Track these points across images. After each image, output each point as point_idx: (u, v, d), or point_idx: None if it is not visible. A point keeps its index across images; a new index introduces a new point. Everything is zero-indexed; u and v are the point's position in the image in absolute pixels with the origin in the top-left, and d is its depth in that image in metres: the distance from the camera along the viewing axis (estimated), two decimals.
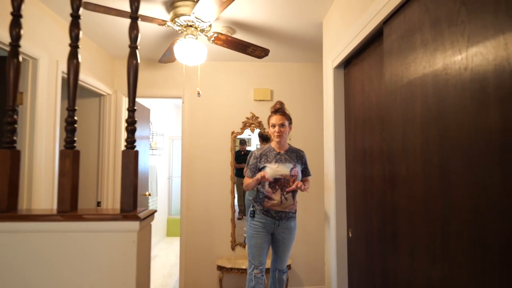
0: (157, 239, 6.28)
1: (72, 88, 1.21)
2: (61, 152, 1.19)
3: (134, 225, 1.12)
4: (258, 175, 2.62)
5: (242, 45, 2.96)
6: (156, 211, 1.34)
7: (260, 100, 4.26)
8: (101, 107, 3.90)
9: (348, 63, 2.48)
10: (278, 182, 2.73)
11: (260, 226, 2.79)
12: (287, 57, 4.11)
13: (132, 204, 1.19)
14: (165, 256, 5.67)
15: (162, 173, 6.62)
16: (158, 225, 6.34)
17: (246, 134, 4.34)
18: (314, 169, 4.13)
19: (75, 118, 1.24)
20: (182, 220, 4.16)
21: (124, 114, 4.11)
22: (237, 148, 4.65)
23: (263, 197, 2.78)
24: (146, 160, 4.88)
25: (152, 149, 5.84)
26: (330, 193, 2.63)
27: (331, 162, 2.61)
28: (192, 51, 2.58)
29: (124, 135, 4.09)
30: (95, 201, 3.86)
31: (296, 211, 2.89)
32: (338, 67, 2.58)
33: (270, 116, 2.85)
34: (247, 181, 2.80)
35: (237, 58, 4.12)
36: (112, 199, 3.94)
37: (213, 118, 4.23)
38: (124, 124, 4.08)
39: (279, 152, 2.83)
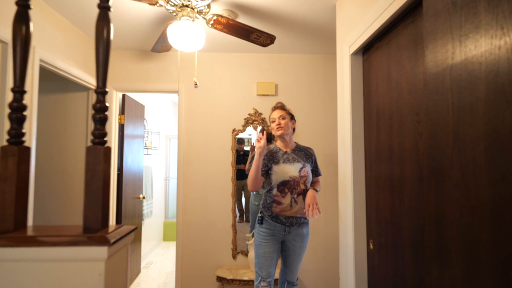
0: (153, 244, 5.95)
1: (20, 60, 0.89)
2: (1, 149, 0.87)
3: (101, 251, 0.80)
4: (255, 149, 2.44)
5: (245, 30, 2.64)
6: (136, 228, 1.01)
7: (264, 95, 3.95)
8: (89, 102, 3.58)
9: (368, 49, 2.17)
10: (287, 185, 2.51)
11: (269, 234, 2.56)
12: (293, 47, 3.80)
13: (100, 220, 0.88)
14: (161, 263, 5.35)
15: (158, 174, 6.29)
16: (154, 229, 6.02)
17: (249, 132, 4.03)
18: (323, 170, 3.84)
19: (24, 102, 0.91)
20: (178, 225, 3.85)
21: (115, 109, 3.79)
22: (235, 148, 4.38)
23: (271, 202, 2.56)
24: (140, 160, 4.57)
25: (147, 149, 5.53)
26: (346, 198, 2.31)
27: (347, 163, 2.30)
28: (187, 35, 2.26)
29: (115, 131, 3.77)
30: (82, 206, 3.54)
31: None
32: (356, 53, 2.27)
33: (270, 114, 2.72)
34: (251, 174, 2.51)
35: (239, 49, 3.81)
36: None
37: (212, 114, 3.92)
38: (114, 120, 3.76)
39: (286, 151, 2.64)
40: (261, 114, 3.93)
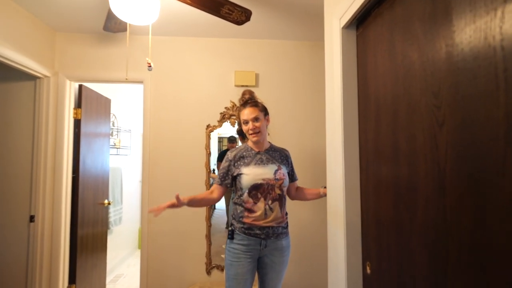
0: (125, 254, 5.47)
1: None
2: None
3: None
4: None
5: (214, 2, 2.19)
6: None
7: (243, 86, 3.53)
8: (37, 94, 3.12)
9: (363, 19, 1.74)
10: (260, 189, 2.20)
11: (241, 251, 2.22)
12: (276, 32, 3.40)
13: None
14: (132, 276, 4.86)
15: (130, 177, 5.79)
16: (126, 237, 5.53)
17: (226, 128, 3.60)
18: (311, 175, 3.47)
19: None
20: (143, 236, 3.40)
21: (69, 102, 3.32)
22: (224, 147, 4.09)
23: (241, 211, 2.26)
24: (104, 162, 4.09)
25: (117, 148, 5.05)
26: (337, 208, 1.88)
27: (338, 165, 1.87)
28: (135, 1, 1.80)
29: (68, 128, 3.30)
30: (28, 215, 3.07)
31: (287, 225, 2.40)
32: (348, 26, 1.84)
33: (239, 111, 2.40)
34: (206, 192, 2.39)
35: (214, 33, 3.42)
36: (50, 212, 3.15)
37: (183, 108, 3.48)
38: (68, 115, 3.29)
39: (259, 152, 2.37)
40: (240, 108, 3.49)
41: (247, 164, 2.28)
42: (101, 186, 4.01)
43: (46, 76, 3.14)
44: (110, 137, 4.71)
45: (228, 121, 3.53)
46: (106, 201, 4.09)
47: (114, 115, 4.94)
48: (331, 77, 2.00)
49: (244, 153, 2.34)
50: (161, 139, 3.46)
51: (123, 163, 5.42)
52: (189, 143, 3.46)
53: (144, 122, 3.45)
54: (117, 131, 5.12)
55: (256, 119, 2.29)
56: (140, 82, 3.44)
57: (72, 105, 3.38)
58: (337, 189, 1.88)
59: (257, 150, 2.36)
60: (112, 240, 4.86)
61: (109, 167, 4.29)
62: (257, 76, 3.56)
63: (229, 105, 3.52)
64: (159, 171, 3.44)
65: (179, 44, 3.52)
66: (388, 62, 1.46)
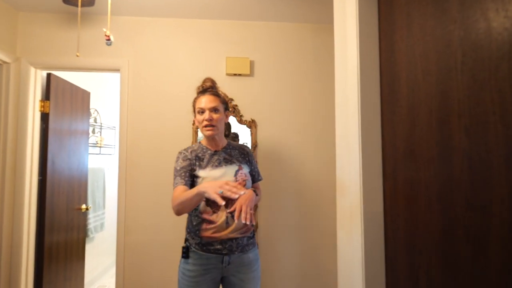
0: (108, 263, 5.04)
1: None
2: None
3: None
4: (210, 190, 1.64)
5: None
6: None
7: (235, 75, 3.14)
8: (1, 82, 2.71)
9: None
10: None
11: (200, 273, 1.88)
12: (272, 14, 3.04)
13: None
14: None
15: (114, 178, 5.35)
16: (110, 244, 5.09)
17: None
18: (314, 179, 3.08)
19: None
20: (119, 249, 3.00)
21: (34, 93, 2.90)
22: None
23: (198, 223, 1.92)
24: (82, 162, 3.68)
25: (99, 147, 4.63)
26: (350, 230, 1.46)
27: (353, 172, 1.45)
28: None
29: (33, 123, 2.89)
30: None
31: (254, 235, 2.05)
32: None
33: (195, 99, 2.07)
34: (180, 196, 1.81)
35: (202, 14, 3.03)
36: (9, 220, 2.73)
37: (165, 100, 3.07)
38: (33, 108, 2.87)
39: (216, 151, 2.05)
40: (232, 100, 3.10)
41: (203, 167, 1.97)
42: (78, 189, 3.60)
43: (5, 62, 2.72)
44: (91, 134, 4.31)
45: None
46: (83, 206, 3.68)
47: (96, 110, 4.52)
48: (343, 58, 1.58)
49: (200, 154, 2.03)
50: (141, 136, 3.05)
51: (107, 164, 4.99)
52: (173, 141, 3.04)
53: (121, 116, 3.03)
54: (100, 128, 4.69)
55: (214, 109, 1.97)
56: (117, 70, 3.02)
57: (39, 97, 2.96)
58: (352, 203, 1.45)
59: (213, 149, 2.06)
60: (93, 249, 4.45)
61: (88, 168, 3.88)
62: (252, 63, 3.15)
63: None
64: (139, 173, 3.03)
65: (161, 26, 3.10)
66: (433, 21, 1.05)
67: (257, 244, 2.04)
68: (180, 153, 2.05)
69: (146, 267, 2.99)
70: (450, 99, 0.97)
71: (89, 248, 4.19)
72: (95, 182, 4.41)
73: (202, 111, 1.97)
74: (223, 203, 1.58)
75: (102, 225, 4.63)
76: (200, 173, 1.94)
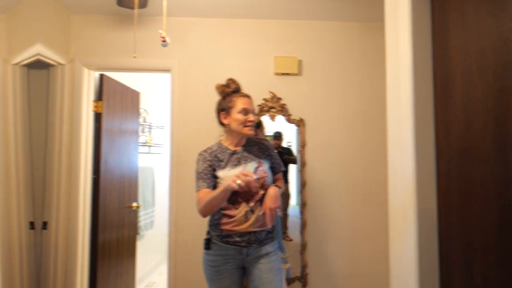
0: (157, 261, 5.22)
1: None
2: None
3: None
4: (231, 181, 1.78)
5: None
6: None
7: (284, 74, 3.17)
8: (50, 83, 2.89)
9: None
10: (240, 193, 1.95)
11: (221, 262, 2.03)
12: (319, 12, 3.06)
13: None
14: (165, 284, 4.57)
15: (164, 177, 5.50)
16: (159, 242, 5.26)
17: (264, 123, 3.21)
18: (360, 177, 3.06)
19: None
20: (171, 246, 3.09)
21: (87, 93, 3.04)
22: None
23: (219, 217, 2.04)
24: (132, 161, 3.82)
25: (148, 146, 4.78)
26: (402, 230, 1.42)
27: (406, 170, 1.41)
28: None
29: (87, 123, 3.02)
30: (41, 221, 2.81)
31: (273, 229, 2.14)
32: None
33: (232, 98, 2.13)
34: (205, 197, 1.92)
35: (250, 14, 3.08)
36: (65, 218, 2.87)
37: (214, 100, 3.06)
38: (86, 108, 3.01)
39: (235, 151, 2.12)
40: (280, 99, 3.13)
41: (223, 167, 2.06)
42: (128, 187, 3.74)
43: (60, 64, 2.89)
44: (141, 134, 4.45)
45: (268, 114, 3.15)
46: (134, 204, 3.82)
47: (145, 110, 4.67)
48: (395, 52, 1.54)
49: (219, 154, 2.10)
50: (190, 135, 3.14)
51: (156, 162, 5.16)
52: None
53: (172, 116, 3.14)
54: (149, 128, 4.84)
55: (254, 112, 2.15)
56: (167, 70, 3.12)
57: (92, 97, 3.10)
58: (405, 201, 1.42)
59: (233, 149, 2.14)
60: (143, 246, 4.60)
61: (138, 167, 4.01)
62: (300, 62, 3.15)
63: (268, 96, 3.13)
64: (189, 172, 3.09)
65: (208, 26, 3.17)
66: (490, 19, 1.00)
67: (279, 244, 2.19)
68: (200, 154, 2.12)
69: (197, 265, 3.04)
70: (508, 97, 0.93)
71: (139, 246, 4.34)
72: (144, 181, 4.56)
73: (246, 112, 2.06)
74: (237, 187, 1.74)
75: (151, 223, 4.79)
76: (220, 173, 2.02)
